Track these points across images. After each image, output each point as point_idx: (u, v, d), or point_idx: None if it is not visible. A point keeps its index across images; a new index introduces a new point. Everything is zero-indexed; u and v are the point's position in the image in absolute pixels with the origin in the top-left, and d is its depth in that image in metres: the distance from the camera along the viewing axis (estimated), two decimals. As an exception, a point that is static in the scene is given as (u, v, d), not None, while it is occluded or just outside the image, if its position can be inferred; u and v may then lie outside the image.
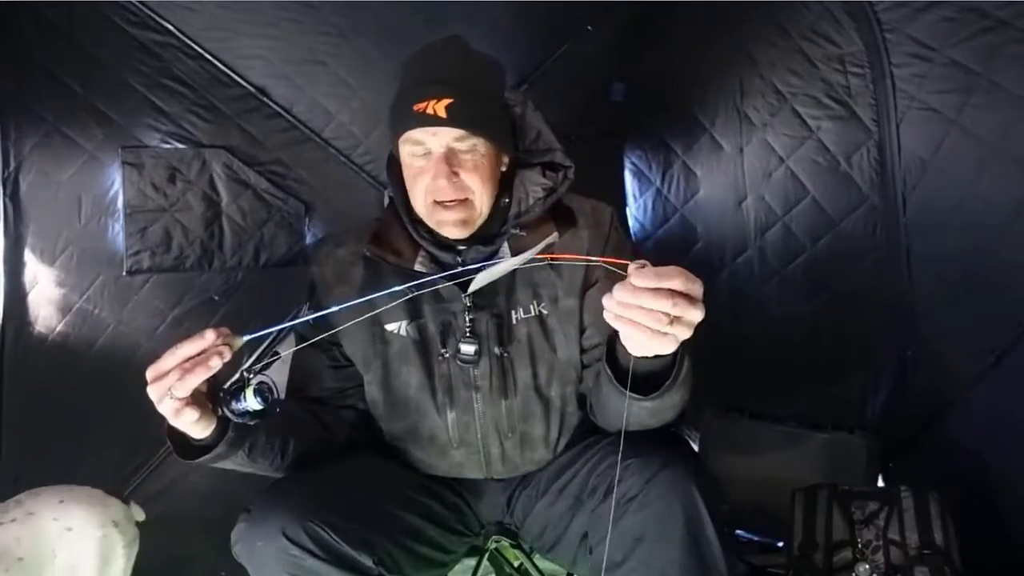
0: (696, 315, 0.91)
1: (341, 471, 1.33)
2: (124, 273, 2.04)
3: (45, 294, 1.98)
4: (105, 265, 2.03)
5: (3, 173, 1.90)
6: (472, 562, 1.54)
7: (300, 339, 1.44)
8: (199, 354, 0.97)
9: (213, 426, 1.08)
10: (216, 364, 0.97)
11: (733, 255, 2.38)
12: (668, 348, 0.95)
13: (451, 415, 1.36)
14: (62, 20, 1.91)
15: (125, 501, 1.59)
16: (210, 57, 2.03)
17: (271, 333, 0.99)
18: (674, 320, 0.90)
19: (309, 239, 2.24)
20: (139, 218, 2.03)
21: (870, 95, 2.01)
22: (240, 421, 1.06)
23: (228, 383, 1.05)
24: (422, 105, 1.21)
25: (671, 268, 0.90)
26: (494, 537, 1.49)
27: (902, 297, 2.04)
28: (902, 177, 1.97)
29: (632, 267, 0.90)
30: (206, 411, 1.05)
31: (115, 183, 2.02)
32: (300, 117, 2.16)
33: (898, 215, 2.00)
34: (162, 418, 1.04)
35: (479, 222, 1.31)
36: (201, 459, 1.13)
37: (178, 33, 1.99)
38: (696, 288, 0.90)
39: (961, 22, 1.74)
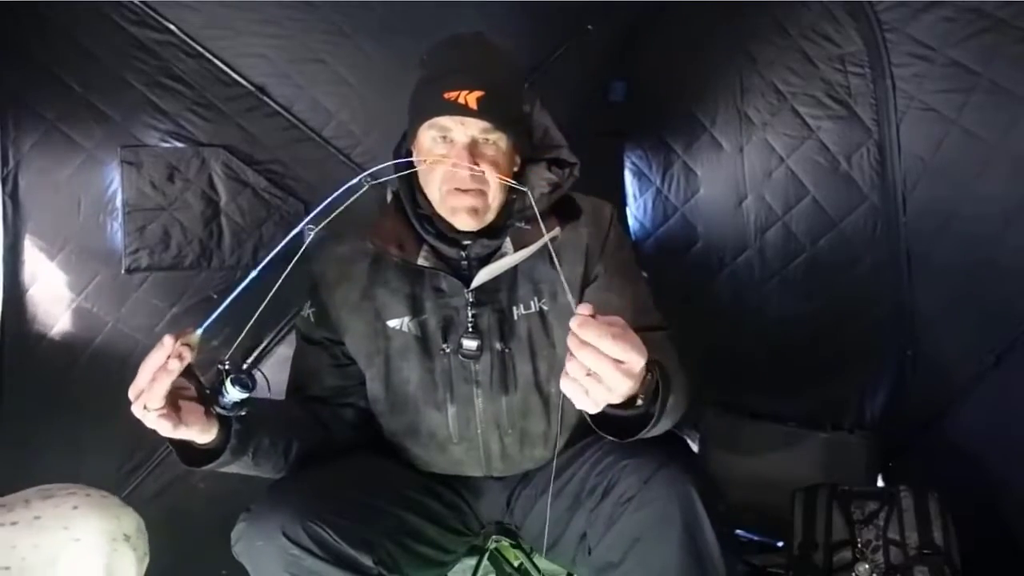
0: (620, 385, 0.90)
1: (341, 471, 1.33)
2: (123, 271, 2.03)
3: (44, 292, 1.97)
4: (104, 263, 2.02)
5: (2, 171, 1.89)
6: (472, 562, 1.54)
7: (301, 337, 1.44)
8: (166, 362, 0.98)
9: (215, 430, 1.08)
10: (174, 367, 0.97)
11: (733, 255, 2.38)
12: (588, 407, 0.94)
13: (451, 410, 1.36)
14: (61, 18, 1.90)
15: None
16: (210, 56, 2.02)
17: (223, 310, 0.97)
18: (592, 374, 0.89)
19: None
20: (138, 216, 2.03)
21: (870, 95, 2.00)
22: (233, 414, 1.06)
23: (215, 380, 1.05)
24: (453, 94, 1.22)
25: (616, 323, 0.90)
26: (494, 537, 1.49)
27: (902, 297, 2.04)
28: (902, 177, 1.97)
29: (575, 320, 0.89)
30: (198, 416, 1.05)
31: (114, 182, 2.01)
32: (300, 116, 2.15)
33: (898, 215, 2.00)
34: None
35: (489, 217, 1.32)
36: (207, 467, 1.13)
37: (178, 32, 1.98)
38: (630, 358, 0.89)
39: (961, 22, 1.74)
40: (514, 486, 1.46)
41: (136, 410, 1.01)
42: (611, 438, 1.10)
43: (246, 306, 1.02)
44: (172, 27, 1.97)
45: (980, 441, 1.88)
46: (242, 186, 2.13)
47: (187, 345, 0.98)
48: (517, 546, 1.51)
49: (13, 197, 1.91)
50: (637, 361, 0.91)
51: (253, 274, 1.01)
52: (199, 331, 1.00)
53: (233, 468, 1.19)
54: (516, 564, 1.57)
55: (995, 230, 1.76)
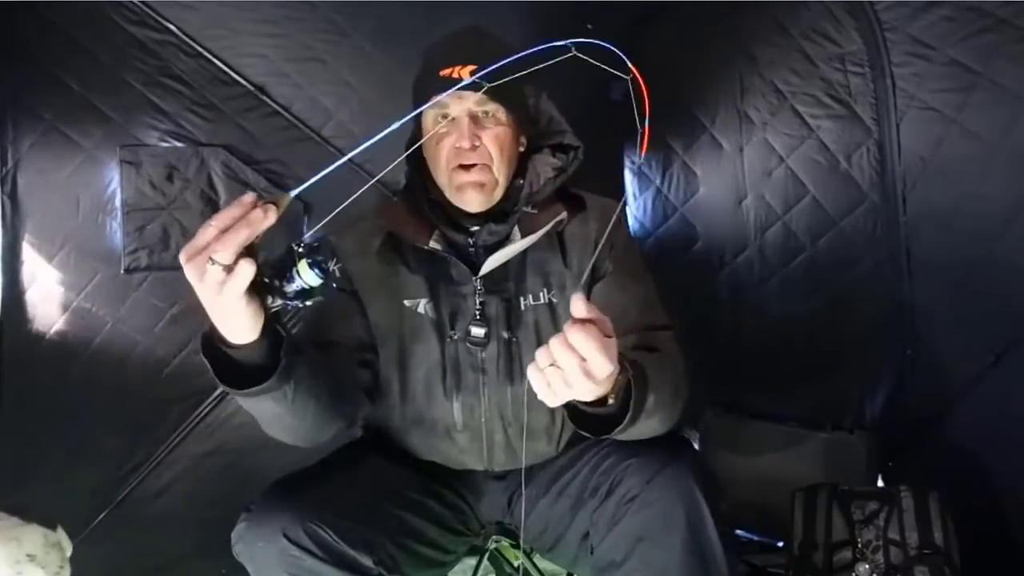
0: (579, 382, 0.87)
1: (341, 471, 1.33)
2: (122, 271, 2.03)
3: (43, 292, 1.97)
4: (103, 263, 2.02)
5: (1, 171, 1.90)
6: (472, 562, 1.54)
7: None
8: (240, 219, 0.84)
9: (259, 328, 0.95)
10: (258, 218, 0.83)
11: (733, 254, 2.38)
12: (548, 400, 0.91)
13: (458, 397, 1.36)
14: (61, 18, 1.90)
15: (53, 527, 1.45)
16: (209, 55, 2.03)
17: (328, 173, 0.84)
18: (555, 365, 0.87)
19: (308, 239, 2.23)
20: (137, 216, 2.03)
21: (870, 94, 2.00)
22: (297, 303, 0.90)
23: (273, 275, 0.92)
24: (448, 71, 1.25)
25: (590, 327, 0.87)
26: (494, 537, 1.49)
27: (902, 296, 2.04)
28: (902, 176, 1.97)
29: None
30: (253, 302, 0.91)
31: (113, 181, 2.01)
32: (299, 115, 2.15)
33: (898, 214, 2.00)
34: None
35: (497, 194, 1.32)
36: (247, 392, 1.00)
37: (177, 31, 1.98)
38: (594, 361, 0.86)
39: (961, 21, 1.75)
40: (515, 486, 1.45)
41: (192, 268, 0.85)
42: (589, 435, 1.08)
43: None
44: (172, 27, 1.98)
45: (980, 441, 1.88)
46: (242, 186, 2.13)
47: (273, 204, 0.82)
48: (517, 546, 1.50)
49: (12, 197, 1.92)
50: (602, 365, 0.87)
51: (370, 140, 0.90)
52: (292, 192, 0.84)
53: (266, 404, 1.06)
54: (516, 564, 1.57)
55: (995, 229, 1.76)
